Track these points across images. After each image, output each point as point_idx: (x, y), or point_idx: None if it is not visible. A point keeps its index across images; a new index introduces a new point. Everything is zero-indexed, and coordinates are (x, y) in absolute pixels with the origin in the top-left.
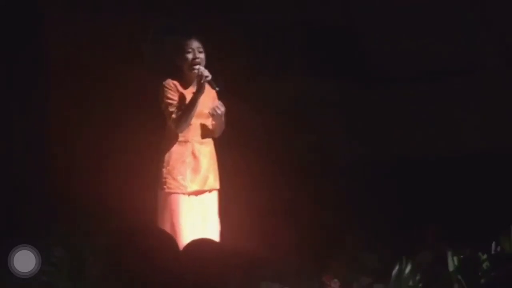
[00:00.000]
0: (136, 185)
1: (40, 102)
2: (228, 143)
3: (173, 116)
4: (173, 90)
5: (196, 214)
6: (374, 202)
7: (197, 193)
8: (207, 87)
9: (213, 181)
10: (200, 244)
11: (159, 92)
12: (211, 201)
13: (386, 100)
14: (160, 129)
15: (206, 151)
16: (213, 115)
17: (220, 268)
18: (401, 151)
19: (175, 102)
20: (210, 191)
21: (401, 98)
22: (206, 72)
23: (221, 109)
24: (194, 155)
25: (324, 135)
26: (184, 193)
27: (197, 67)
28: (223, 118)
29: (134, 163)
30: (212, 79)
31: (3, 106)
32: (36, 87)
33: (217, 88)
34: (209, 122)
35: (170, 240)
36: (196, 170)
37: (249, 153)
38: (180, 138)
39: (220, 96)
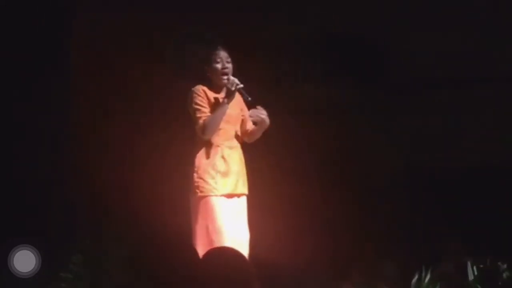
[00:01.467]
0: (165, 191)
1: (66, 103)
2: (255, 149)
3: (200, 121)
4: (202, 96)
5: (230, 215)
6: (395, 210)
7: (228, 196)
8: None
9: (242, 185)
10: (220, 253)
11: (188, 98)
12: (241, 205)
13: (407, 107)
14: (191, 135)
15: (235, 155)
16: (258, 121)
17: (240, 277)
18: (421, 160)
19: (203, 108)
20: (239, 196)
21: (421, 105)
22: (237, 81)
23: (264, 112)
24: (224, 159)
25: (348, 141)
26: (217, 195)
27: (226, 77)
28: (267, 121)
29: (163, 169)
30: (243, 88)
31: (27, 106)
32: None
33: (249, 98)
34: (237, 127)
35: (190, 249)
36: (226, 174)
37: (272, 159)
38: (210, 143)
39: (247, 103)
